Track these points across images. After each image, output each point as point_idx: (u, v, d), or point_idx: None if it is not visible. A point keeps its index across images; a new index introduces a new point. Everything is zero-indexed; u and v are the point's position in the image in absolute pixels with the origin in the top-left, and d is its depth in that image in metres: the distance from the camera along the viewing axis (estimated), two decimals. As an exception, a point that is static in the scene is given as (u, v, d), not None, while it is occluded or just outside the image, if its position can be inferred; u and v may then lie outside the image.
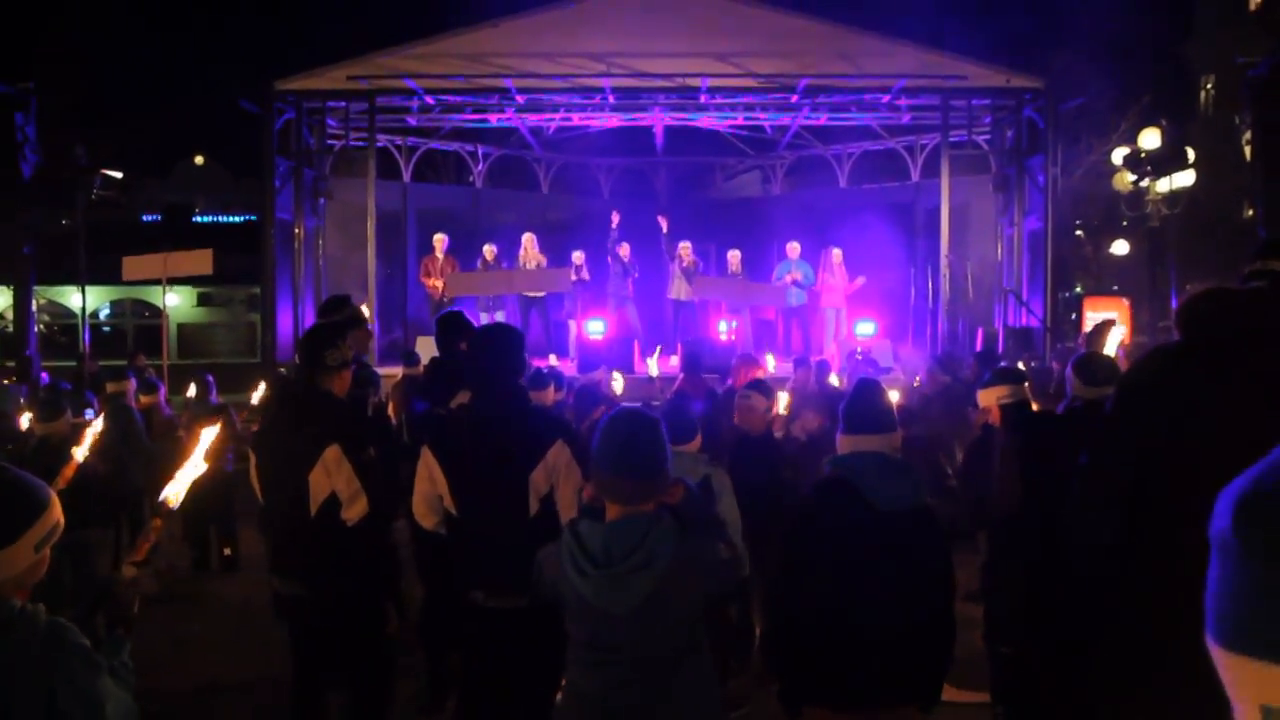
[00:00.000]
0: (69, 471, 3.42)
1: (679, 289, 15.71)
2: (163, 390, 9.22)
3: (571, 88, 15.30)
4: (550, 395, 6.76)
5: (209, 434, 2.96)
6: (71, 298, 35.69)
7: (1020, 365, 11.42)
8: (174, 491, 2.76)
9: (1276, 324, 2.56)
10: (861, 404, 3.30)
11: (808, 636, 3.16)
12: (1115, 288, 31.42)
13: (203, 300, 35.91)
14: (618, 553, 2.79)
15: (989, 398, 5.07)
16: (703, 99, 15.58)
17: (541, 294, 15.24)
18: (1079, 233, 30.70)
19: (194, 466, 2.83)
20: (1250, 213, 27.98)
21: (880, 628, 3.05)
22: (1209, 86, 35.06)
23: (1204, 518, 2.48)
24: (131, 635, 2.48)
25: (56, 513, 2.30)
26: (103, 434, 3.68)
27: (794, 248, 15.69)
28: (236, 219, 43.95)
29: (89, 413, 6.16)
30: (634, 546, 2.78)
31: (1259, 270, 2.75)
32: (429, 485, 4.01)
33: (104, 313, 37.14)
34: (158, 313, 37.30)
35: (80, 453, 3.54)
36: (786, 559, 3.29)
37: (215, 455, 3.00)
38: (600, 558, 2.80)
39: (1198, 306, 2.70)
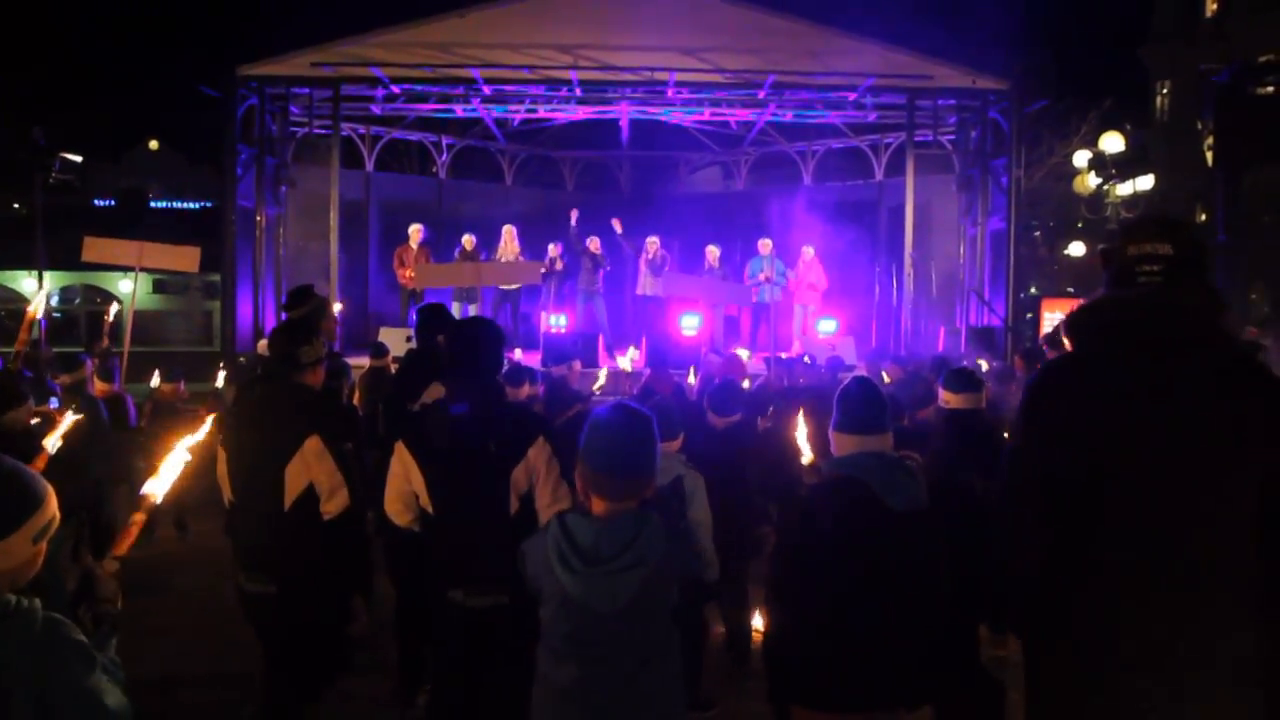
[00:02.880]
0: (40, 463, 3.34)
1: (646, 284, 15.71)
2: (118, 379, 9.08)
3: (538, 79, 15.22)
4: (525, 391, 6.72)
5: (191, 437, 2.91)
6: (22, 282, 35.12)
7: (982, 364, 11.55)
8: (157, 486, 2.70)
9: (1174, 331, 2.52)
10: (863, 403, 3.28)
11: (811, 637, 3.14)
12: (1070, 289, 31.79)
13: (158, 287, 35.40)
14: (608, 550, 2.78)
15: (946, 399, 5.18)
16: (669, 93, 15.56)
17: (517, 287, 15.18)
18: (1035, 234, 31.01)
19: (177, 461, 2.77)
20: (1204, 216, 28.42)
21: (887, 629, 3.04)
22: (1165, 91, 35.48)
23: (1121, 537, 2.47)
24: (117, 629, 2.44)
25: (53, 505, 2.27)
26: (75, 425, 3.60)
27: (765, 244, 15.71)
28: (192, 205, 43.51)
29: (54, 401, 6.03)
30: (625, 544, 2.77)
31: (1149, 255, 2.59)
32: (404, 482, 3.94)
33: (54, 299, 36.57)
34: (110, 299, 36.87)
35: (52, 444, 3.46)
36: (791, 557, 3.26)
37: (201, 450, 2.94)
38: (590, 554, 2.79)
39: (1090, 316, 2.66)
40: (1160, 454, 2.46)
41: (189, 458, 2.86)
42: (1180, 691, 2.42)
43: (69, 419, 3.63)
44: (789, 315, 15.88)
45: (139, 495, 2.70)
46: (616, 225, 16.05)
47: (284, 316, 6.95)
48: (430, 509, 3.87)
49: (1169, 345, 2.50)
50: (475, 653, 3.82)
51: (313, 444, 4.15)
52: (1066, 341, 2.73)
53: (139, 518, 2.67)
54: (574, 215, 15.88)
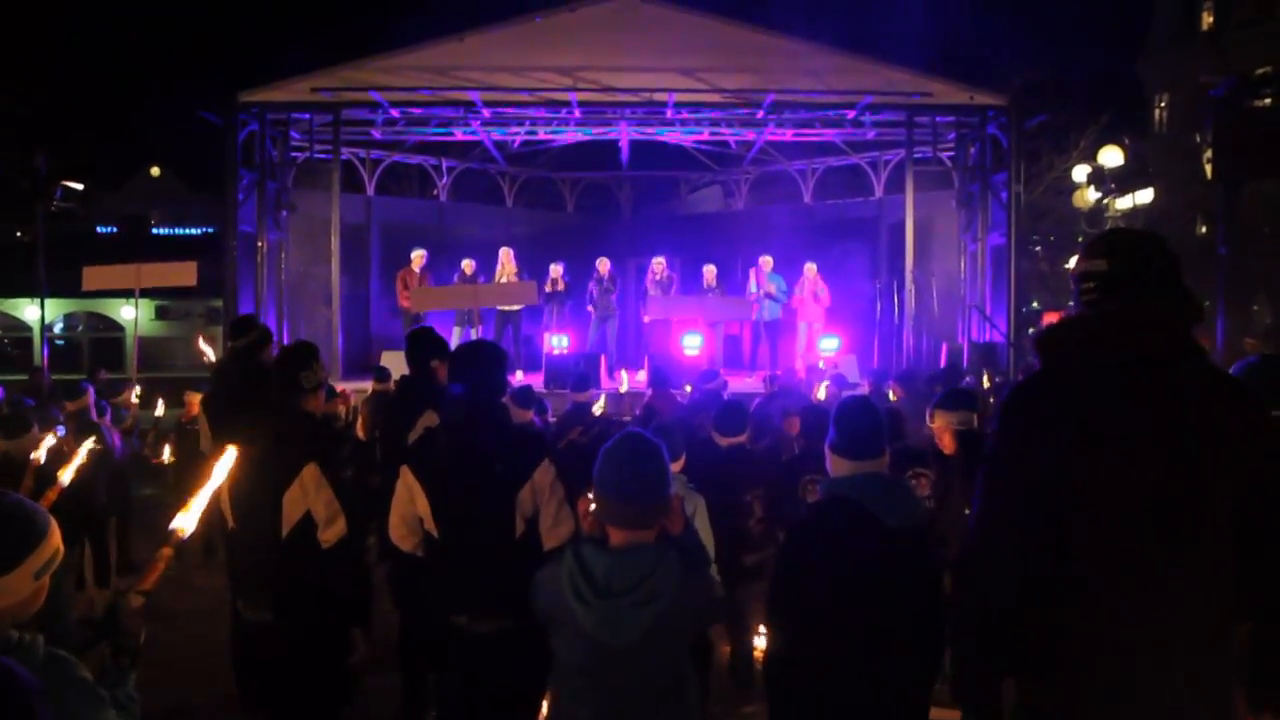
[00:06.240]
0: (53, 495, 3.32)
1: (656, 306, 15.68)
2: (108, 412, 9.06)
3: (537, 102, 15.26)
4: (530, 414, 6.71)
5: (226, 460, 2.89)
6: (25, 310, 35.19)
7: (985, 380, 11.54)
8: (185, 521, 2.65)
9: (1120, 351, 2.52)
10: (860, 427, 3.26)
11: (810, 655, 3.13)
12: (1071, 303, 31.73)
13: (160, 313, 35.49)
14: (620, 584, 2.78)
15: (946, 420, 5.04)
16: (669, 114, 15.60)
17: (518, 308, 15.19)
18: (1036, 248, 31.04)
19: (207, 495, 2.73)
20: (1204, 229, 28.44)
21: (887, 645, 3.03)
22: (1162, 104, 35.55)
23: (1101, 558, 2.45)
24: (138, 664, 2.40)
25: (56, 540, 2.25)
26: (90, 456, 3.60)
27: (766, 261, 15.72)
28: (194, 231, 43.62)
29: (60, 430, 6.03)
30: (639, 580, 2.77)
31: (1085, 272, 2.65)
32: (409, 506, 3.93)
33: (58, 326, 36.64)
34: (113, 325, 36.95)
35: (67, 476, 3.44)
36: (790, 576, 3.25)
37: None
38: (603, 587, 2.78)
39: (1051, 336, 2.67)
40: (1126, 473, 2.45)
41: (219, 485, 2.83)
42: (1172, 708, 2.41)
43: (83, 450, 3.61)
44: (793, 333, 15.88)
45: (169, 529, 2.65)
46: (602, 267, 16.08)
47: (228, 345, 6.92)
48: (435, 533, 3.86)
49: (1121, 362, 2.50)
50: (480, 679, 3.80)
51: (310, 472, 4.13)
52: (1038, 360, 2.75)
53: (166, 552, 2.63)
54: (605, 264, 15.96)
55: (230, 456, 2.93)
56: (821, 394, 9.44)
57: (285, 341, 13.52)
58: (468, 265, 15.22)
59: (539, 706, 3.86)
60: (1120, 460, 2.46)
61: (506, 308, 15.14)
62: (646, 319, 15.96)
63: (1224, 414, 2.47)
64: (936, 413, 5.07)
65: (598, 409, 8.33)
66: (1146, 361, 2.50)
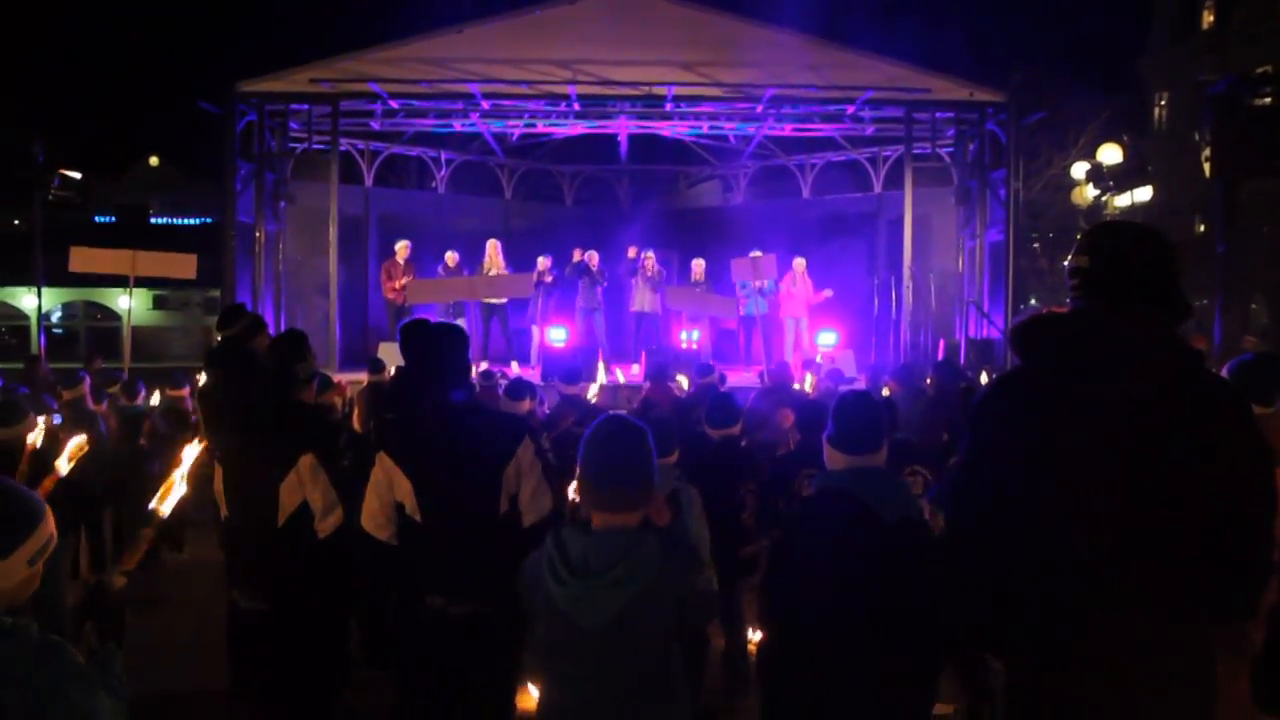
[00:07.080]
0: (49, 484, 3.34)
1: (643, 300, 15.70)
2: (105, 401, 9.05)
3: (537, 94, 15.25)
4: (526, 405, 6.71)
5: (192, 450, 2.91)
6: (22, 299, 35.17)
7: (983, 377, 11.54)
8: (164, 503, 2.68)
9: (1099, 346, 2.50)
10: (858, 421, 3.26)
11: (803, 648, 3.13)
12: (1069, 300, 31.75)
13: (158, 303, 35.53)
14: (596, 564, 2.78)
15: None
16: (668, 107, 15.59)
17: (503, 301, 15.16)
18: (1035, 245, 31.06)
19: (181, 478, 2.76)
20: (1202, 228, 28.45)
21: (877, 639, 3.03)
22: (1162, 103, 35.56)
23: (1072, 554, 2.45)
24: (123, 645, 2.42)
25: (50, 527, 2.26)
26: (85, 445, 3.61)
27: (757, 256, 15.68)
28: (192, 221, 43.63)
29: (56, 419, 6.04)
30: (614, 560, 2.78)
31: (1072, 268, 2.66)
32: (387, 493, 3.87)
33: (55, 315, 36.64)
34: (110, 314, 36.94)
35: (63, 465, 3.45)
36: (784, 568, 3.25)
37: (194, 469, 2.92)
38: (578, 566, 2.79)
39: (1027, 333, 2.65)
40: (1096, 470, 2.44)
41: (188, 471, 2.85)
42: (1150, 705, 2.42)
43: (77, 440, 3.63)
44: (780, 328, 15.83)
45: (148, 510, 2.68)
46: (592, 259, 16.08)
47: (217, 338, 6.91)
48: (418, 516, 3.83)
49: (1094, 360, 2.49)
50: (459, 663, 3.78)
51: (307, 462, 4.13)
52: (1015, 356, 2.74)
53: (147, 532, 2.66)
54: (578, 254, 15.96)
55: (196, 448, 2.96)
56: (808, 387, 9.44)
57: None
58: (450, 257, 15.14)
59: (513, 691, 3.88)
60: (1090, 457, 2.45)
61: (493, 300, 15.12)
62: (634, 309, 15.96)
63: (1198, 414, 2.43)
64: None
65: (592, 396, 8.30)
66: (1120, 360, 2.48)
